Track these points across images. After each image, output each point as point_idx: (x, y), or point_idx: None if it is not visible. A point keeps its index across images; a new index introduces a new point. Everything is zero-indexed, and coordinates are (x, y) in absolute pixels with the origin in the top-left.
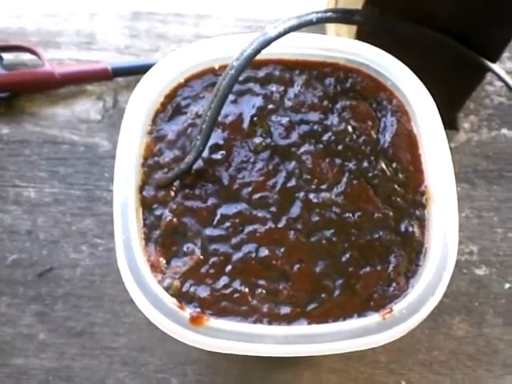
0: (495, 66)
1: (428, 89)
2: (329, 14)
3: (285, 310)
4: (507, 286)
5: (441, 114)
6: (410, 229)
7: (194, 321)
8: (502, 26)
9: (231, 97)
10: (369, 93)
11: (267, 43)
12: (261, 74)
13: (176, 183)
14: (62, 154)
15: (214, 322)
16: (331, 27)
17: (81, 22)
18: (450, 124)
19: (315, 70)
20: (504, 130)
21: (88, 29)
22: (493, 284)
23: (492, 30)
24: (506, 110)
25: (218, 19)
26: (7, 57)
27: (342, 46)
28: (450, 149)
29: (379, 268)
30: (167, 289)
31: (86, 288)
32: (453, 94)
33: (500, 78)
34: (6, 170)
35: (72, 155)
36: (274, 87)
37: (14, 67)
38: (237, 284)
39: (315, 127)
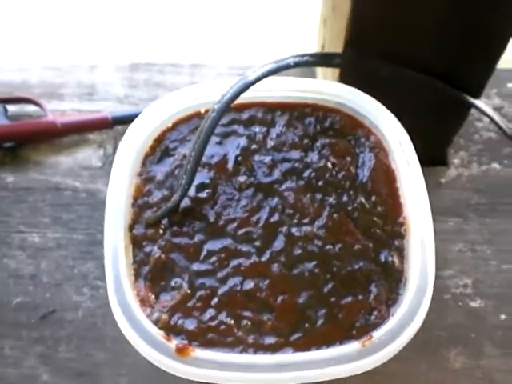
0: (478, 102)
1: (415, 126)
2: (306, 58)
3: (269, 340)
4: (503, 317)
5: (431, 150)
6: (390, 259)
7: (180, 351)
8: (480, 62)
9: (216, 138)
10: (347, 130)
11: (247, 87)
12: (244, 116)
13: (164, 221)
14: (65, 200)
15: (199, 353)
16: (319, 69)
17: (82, 74)
18: (440, 160)
19: (296, 111)
20: (494, 165)
21: (89, 80)
22: (489, 316)
23: (471, 66)
24: (495, 145)
25: (211, 68)
26: (12, 108)
27: (319, 87)
28: (442, 184)
29: (360, 297)
30: (156, 322)
31: (88, 329)
32: (440, 131)
33: (483, 113)
34: (11, 217)
35: (74, 201)
36: (257, 128)
37: (19, 118)
38: (223, 316)
39: (296, 165)
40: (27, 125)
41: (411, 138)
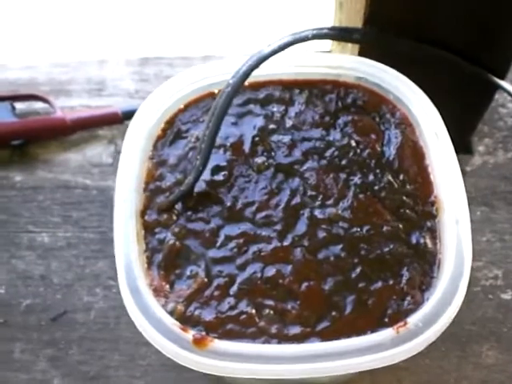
0: (504, 83)
1: (438, 110)
2: (324, 31)
3: (294, 330)
4: None
5: (454, 138)
6: (422, 240)
7: (198, 342)
8: (505, 38)
9: (232, 119)
10: (371, 107)
11: (262, 60)
12: (261, 95)
13: (178, 206)
14: (75, 198)
15: (218, 343)
16: (336, 49)
17: (91, 70)
18: (465, 148)
19: (315, 88)
20: None
21: (98, 76)
22: None
23: (495, 43)
24: None
25: (223, 59)
26: (19, 106)
27: (340, 62)
28: (467, 172)
29: (392, 282)
30: (171, 313)
31: (101, 331)
32: (464, 115)
33: (509, 94)
34: (19, 217)
35: (85, 199)
36: (274, 107)
37: (27, 116)
38: (243, 305)
39: (317, 144)
40: (36, 121)
41: None
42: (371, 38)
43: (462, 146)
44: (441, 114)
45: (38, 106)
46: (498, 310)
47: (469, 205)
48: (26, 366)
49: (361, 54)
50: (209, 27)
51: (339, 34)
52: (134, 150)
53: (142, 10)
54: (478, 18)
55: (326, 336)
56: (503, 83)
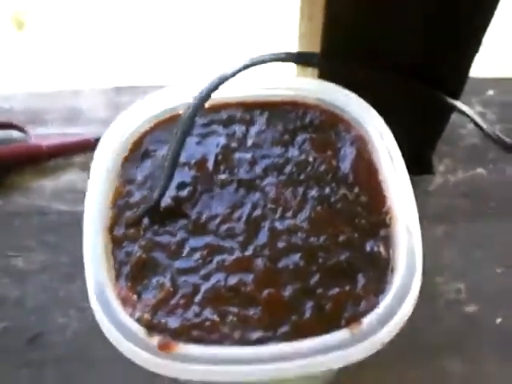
0: (458, 103)
1: (397, 131)
2: (282, 55)
3: (256, 334)
4: (499, 320)
5: (414, 158)
6: (376, 248)
7: (164, 347)
8: (456, 59)
9: (196, 139)
10: (328, 126)
11: (221, 82)
12: (224, 116)
13: (145, 221)
14: (50, 223)
15: (183, 347)
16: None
17: (66, 100)
18: (426, 168)
19: (275, 109)
20: (480, 170)
21: (73, 105)
22: (484, 320)
23: (448, 64)
24: (480, 150)
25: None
26: None
27: (299, 84)
28: (429, 192)
29: (348, 288)
30: (138, 321)
31: (76, 351)
32: (423, 136)
33: (463, 113)
34: None
35: (59, 224)
36: (236, 127)
37: (3, 144)
38: (207, 313)
39: (277, 160)
40: (12, 148)
41: None
42: (326, 63)
43: (423, 167)
44: (399, 135)
45: (14, 134)
46: (461, 323)
47: (431, 222)
48: None
49: (320, 77)
50: (183, 56)
51: (297, 59)
52: (102, 169)
53: (115, 40)
54: (429, 41)
55: (286, 340)
56: (457, 103)
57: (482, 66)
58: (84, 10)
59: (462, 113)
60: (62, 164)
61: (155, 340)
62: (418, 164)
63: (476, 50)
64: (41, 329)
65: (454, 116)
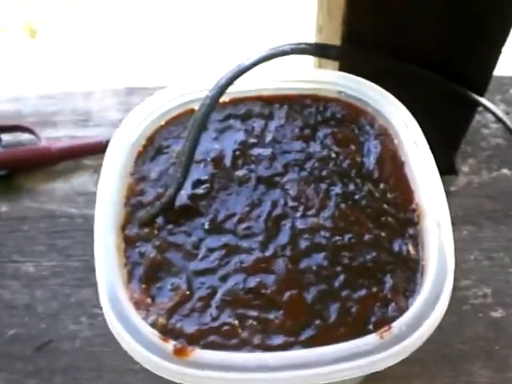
0: (483, 99)
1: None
2: (303, 45)
3: (277, 340)
4: None
5: (437, 158)
6: (404, 247)
7: (179, 352)
8: (482, 53)
9: (213, 134)
10: (350, 120)
11: (240, 73)
12: (241, 110)
13: (160, 220)
14: (60, 227)
15: (199, 353)
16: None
17: (77, 101)
18: (449, 169)
19: (294, 103)
20: (504, 170)
21: (84, 107)
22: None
23: (473, 58)
24: (504, 151)
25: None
26: (5, 137)
27: (319, 76)
28: (452, 193)
29: (375, 290)
30: (152, 326)
31: (86, 359)
32: (446, 134)
33: (488, 110)
34: (4, 246)
35: (70, 227)
36: (254, 122)
37: (12, 147)
38: (225, 317)
39: (298, 156)
40: (21, 151)
41: None
42: (348, 54)
43: (446, 167)
44: (423, 131)
45: (24, 137)
46: (489, 329)
47: (455, 224)
48: None
49: (341, 70)
50: (192, 58)
51: (317, 50)
52: (115, 165)
53: (127, 41)
54: (455, 34)
55: (309, 345)
56: (482, 99)
57: (506, 65)
58: (94, 13)
59: (487, 109)
60: (73, 167)
61: (170, 345)
62: (441, 164)
63: (502, 44)
64: (50, 336)
65: (478, 116)
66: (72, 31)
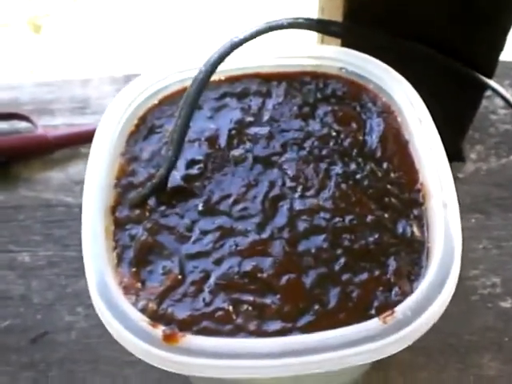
0: (491, 82)
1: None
2: (300, 20)
3: (274, 326)
4: None
5: (445, 144)
6: (409, 229)
7: (168, 339)
8: (489, 31)
9: (207, 113)
10: (351, 97)
11: (234, 47)
12: (237, 88)
13: (151, 202)
14: (57, 216)
15: (190, 339)
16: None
17: (74, 89)
18: (457, 155)
19: (293, 80)
20: None
21: (82, 95)
22: None
23: (480, 39)
24: None
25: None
26: (2, 126)
27: (320, 52)
28: (459, 179)
29: (378, 273)
30: (142, 311)
31: (82, 351)
32: (453, 119)
33: (496, 92)
34: (0, 236)
35: (67, 217)
36: (251, 100)
37: (8, 134)
38: (219, 301)
39: (296, 135)
40: (17, 139)
41: None
42: (349, 31)
43: (454, 153)
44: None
45: (21, 125)
46: (498, 319)
47: (463, 212)
48: None
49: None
50: (190, 43)
51: (316, 25)
52: (105, 145)
53: (125, 28)
54: (462, 12)
55: (308, 331)
56: (490, 81)
57: None
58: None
59: (495, 92)
60: (70, 155)
61: (159, 331)
62: (449, 150)
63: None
64: (46, 327)
65: (486, 102)
66: (76, 26)
